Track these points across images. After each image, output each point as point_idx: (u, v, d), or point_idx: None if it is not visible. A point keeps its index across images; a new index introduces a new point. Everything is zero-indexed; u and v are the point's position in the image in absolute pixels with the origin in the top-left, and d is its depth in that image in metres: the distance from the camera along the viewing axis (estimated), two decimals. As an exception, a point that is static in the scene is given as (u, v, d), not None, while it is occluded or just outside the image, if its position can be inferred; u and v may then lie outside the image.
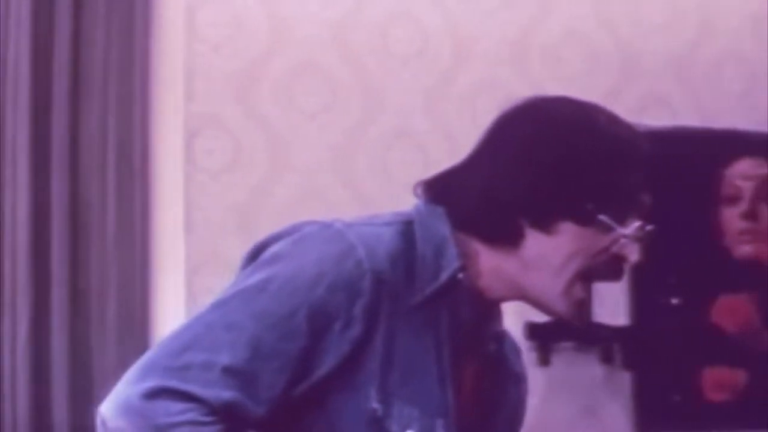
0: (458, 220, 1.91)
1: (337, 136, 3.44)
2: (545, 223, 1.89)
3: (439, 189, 1.93)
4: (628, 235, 1.88)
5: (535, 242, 1.90)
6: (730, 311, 3.78)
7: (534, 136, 1.91)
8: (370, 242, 1.85)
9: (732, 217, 3.81)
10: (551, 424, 3.48)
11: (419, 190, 1.94)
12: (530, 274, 1.91)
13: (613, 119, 1.95)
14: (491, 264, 1.92)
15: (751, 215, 3.83)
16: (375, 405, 1.84)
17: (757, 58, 3.91)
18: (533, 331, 3.45)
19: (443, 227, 1.92)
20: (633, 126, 1.95)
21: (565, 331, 3.48)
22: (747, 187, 3.84)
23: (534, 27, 3.66)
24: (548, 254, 1.90)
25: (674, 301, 3.70)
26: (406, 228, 1.89)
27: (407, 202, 3.37)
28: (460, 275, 1.90)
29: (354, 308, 1.81)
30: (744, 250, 3.83)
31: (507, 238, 1.90)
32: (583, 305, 1.93)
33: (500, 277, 1.92)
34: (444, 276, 1.89)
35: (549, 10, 3.68)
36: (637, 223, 1.89)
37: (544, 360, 3.48)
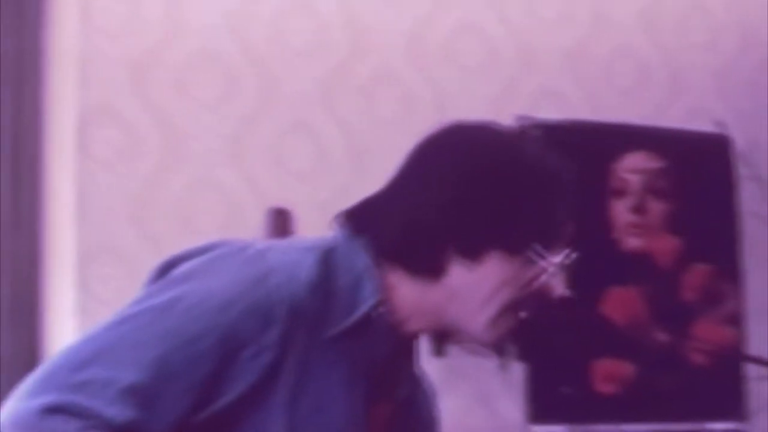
0: (381, 250, 1.83)
1: (232, 126, 3.38)
2: (473, 253, 1.82)
3: (361, 218, 1.84)
4: (556, 265, 1.82)
5: (461, 272, 1.83)
6: (620, 304, 3.75)
7: (460, 165, 1.84)
8: (289, 268, 1.78)
9: (621, 211, 3.79)
10: (445, 413, 3.41)
11: (341, 220, 1.84)
12: (455, 304, 1.84)
13: (537, 147, 1.88)
14: (414, 294, 1.85)
15: (639, 209, 3.81)
16: None
17: (647, 53, 3.91)
18: (427, 322, 3.41)
19: (363, 258, 1.84)
20: (555, 153, 1.88)
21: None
22: (635, 180, 3.81)
23: (431, 20, 3.61)
24: (475, 285, 1.83)
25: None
26: (327, 256, 1.82)
27: (302, 192, 3.33)
28: (378, 311, 1.82)
29: (266, 336, 1.73)
30: (633, 243, 3.81)
31: (432, 268, 1.83)
32: (505, 337, 1.87)
33: (423, 307, 1.85)
34: (360, 311, 1.81)
35: (446, 2, 3.64)
36: (563, 253, 1.83)
37: (439, 351, 3.43)
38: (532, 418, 3.60)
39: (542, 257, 1.81)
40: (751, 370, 3.85)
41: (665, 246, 3.84)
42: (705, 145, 3.91)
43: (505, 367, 3.53)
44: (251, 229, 3.20)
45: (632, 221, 3.80)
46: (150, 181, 3.25)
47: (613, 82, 3.83)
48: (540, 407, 3.61)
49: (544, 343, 3.61)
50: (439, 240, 1.81)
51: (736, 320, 3.90)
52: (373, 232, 1.83)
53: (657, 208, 3.84)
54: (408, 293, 1.84)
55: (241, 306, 1.72)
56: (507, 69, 3.68)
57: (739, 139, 3.92)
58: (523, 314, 1.86)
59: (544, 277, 1.83)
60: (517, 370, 3.57)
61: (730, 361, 3.87)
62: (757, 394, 3.84)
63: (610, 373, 3.71)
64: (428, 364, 3.41)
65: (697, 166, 3.90)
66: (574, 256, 1.85)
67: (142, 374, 1.67)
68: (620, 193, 3.80)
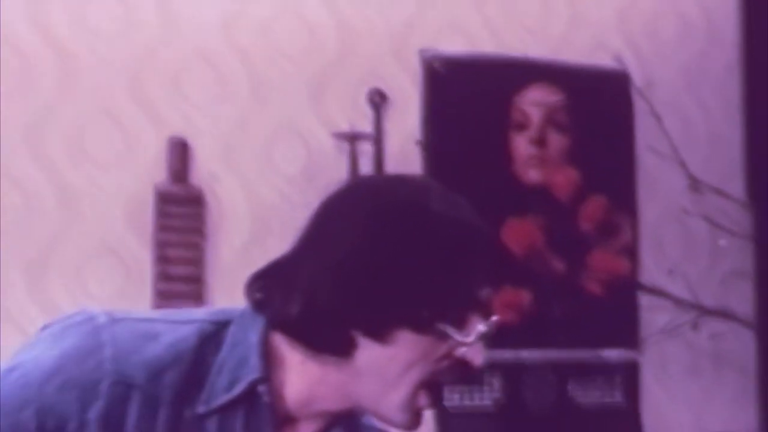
0: (280, 324, 1.68)
1: (131, 56, 3.21)
2: (379, 333, 1.65)
3: (263, 288, 1.68)
4: (469, 342, 1.64)
5: (368, 352, 1.66)
6: (518, 234, 3.72)
7: (360, 234, 1.66)
8: (127, 343, 1.66)
9: (521, 144, 3.76)
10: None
11: (246, 289, 1.69)
12: (364, 384, 1.68)
13: (448, 204, 1.66)
14: (318, 373, 1.69)
15: (539, 142, 3.78)
16: None
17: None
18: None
19: (255, 333, 1.69)
20: (474, 214, 1.67)
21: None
22: (536, 114, 3.78)
23: None
24: (384, 365, 1.66)
25: (464, 223, 3.64)
26: (216, 329, 1.69)
27: (201, 122, 3.27)
28: (258, 389, 1.68)
29: (88, 412, 1.63)
30: (532, 175, 3.78)
31: (337, 348, 1.67)
32: (423, 412, 1.70)
33: (329, 386, 1.70)
34: (239, 388, 1.67)
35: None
36: (478, 327, 1.65)
37: None
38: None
39: (457, 331, 1.64)
40: (644, 299, 3.86)
41: (564, 178, 3.80)
42: (604, 80, 3.86)
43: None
44: (150, 159, 3.15)
45: (532, 154, 3.77)
46: (47, 109, 3.14)
47: (516, 17, 3.78)
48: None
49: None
50: (342, 319, 1.65)
51: (630, 251, 3.89)
52: (272, 305, 1.68)
53: (556, 141, 3.80)
54: (311, 371, 1.69)
55: (60, 380, 1.63)
56: (411, 3, 3.62)
57: (638, 75, 3.89)
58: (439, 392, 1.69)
59: (458, 352, 1.66)
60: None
61: (624, 291, 3.87)
62: (648, 323, 3.85)
63: (508, 301, 3.69)
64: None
65: (596, 100, 3.85)
66: (493, 323, 1.68)
67: None
68: (521, 126, 3.76)
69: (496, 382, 3.63)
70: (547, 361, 3.73)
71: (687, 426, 3.91)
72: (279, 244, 3.32)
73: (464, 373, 1.69)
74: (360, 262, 1.64)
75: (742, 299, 4.02)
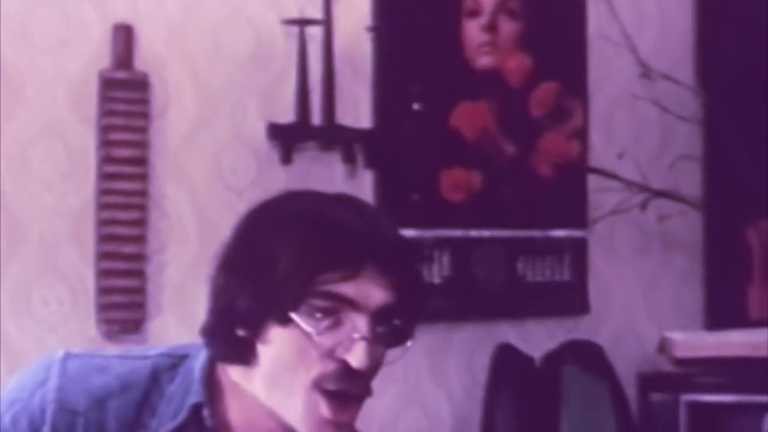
0: (208, 347, 1.71)
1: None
2: (257, 332, 1.65)
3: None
4: (314, 332, 1.62)
5: (262, 357, 1.66)
6: (470, 117, 3.71)
7: (230, 241, 1.69)
8: (75, 374, 1.71)
9: (473, 30, 3.73)
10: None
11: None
12: (271, 394, 1.68)
13: (314, 207, 1.67)
14: (247, 392, 1.69)
15: (491, 28, 3.75)
16: None
17: None
18: (275, 131, 3.35)
19: (201, 360, 1.72)
20: (353, 211, 1.66)
21: (307, 131, 3.41)
22: (488, 0, 3.75)
23: None
24: (273, 367, 1.66)
25: (416, 106, 3.64)
26: (173, 363, 1.73)
27: (146, 8, 3.23)
28: (203, 412, 1.69)
29: None
30: (484, 61, 3.76)
31: (240, 356, 1.67)
32: (333, 426, 1.66)
33: (257, 404, 1.69)
34: (182, 414, 1.70)
35: None
36: (329, 323, 1.62)
37: (286, 159, 3.40)
38: (380, 222, 3.59)
39: (306, 327, 1.62)
40: (594, 181, 3.86)
41: (515, 64, 3.78)
42: (556, -33, 3.84)
43: (353, 174, 3.51)
44: (95, 45, 3.12)
45: (484, 40, 3.74)
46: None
47: None
48: (390, 212, 3.60)
49: (394, 153, 3.60)
50: (226, 322, 1.66)
51: (581, 135, 3.88)
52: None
53: (508, 27, 3.78)
54: (242, 392, 1.70)
55: (13, 412, 1.70)
56: None
57: (589, -38, 3.85)
58: (336, 399, 1.65)
59: (340, 351, 1.63)
60: (366, 178, 3.54)
61: (574, 173, 3.87)
62: (598, 205, 3.85)
63: (458, 181, 3.68)
64: (275, 173, 3.39)
65: (548, -14, 3.84)
66: (368, 328, 1.63)
67: None
68: (473, 12, 3.72)
69: (446, 260, 3.65)
70: (497, 239, 3.74)
71: (633, 304, 3.94)
72: (226, 127, 3.36)
73: (353, 378, 1.64)
74: (222, 264, 1.67)
75: (691, 182, 4.01)
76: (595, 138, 3.90)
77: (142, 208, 3.12)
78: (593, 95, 3.88)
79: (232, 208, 3.22)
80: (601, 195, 3.84)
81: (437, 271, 3.62)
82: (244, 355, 1.67)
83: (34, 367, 1.75)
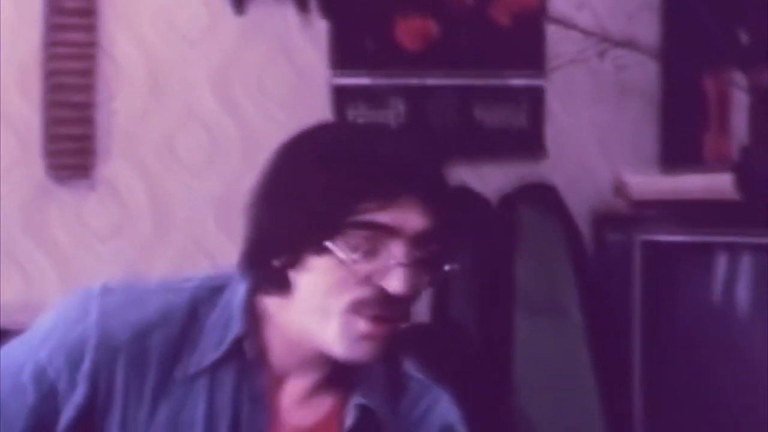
0: (247, 277, 1.65)
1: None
2: (294, 262, 1.59)
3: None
4: (352, 261, 1.56)
5: (299, 286, 1.61)
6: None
7: (267, 172, 1.62)
8: (114, 309, 1.65)
9: None
10: (246, 66, 3.29)
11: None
12: (307, 319, 1.62)
13: (350, 136, 1.62)
14: (285, 320, 1.64)
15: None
16: None
17: None
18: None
19: (241, 291, 1.66)
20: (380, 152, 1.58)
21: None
22: None
23: None
24: (310, 295, 1.61)
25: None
26: (211, 294, 1.66)
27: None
28: (245, 345, 1.64)
29: (77, 374, 1.64)
30: None
31: (278, 286, 1.62)
32: (369, 337, 1.61)
33: (295, 331, 1.64)
34: (224, 346, 1.64)
35: None
36: (366, 252, 1.56)
37: (240, 9, 3.27)
38: (337, 66, 3.45)
39: (342, 251, 1.56)
40: (552, 30, 3.70)
41: None
42: None
43: (308, 24, 3.38)
44: None
45: None
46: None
47: None
48: (343, 59, 3.47)
49: (347, 1, 3.46)
50: (265, 253, 1.60)
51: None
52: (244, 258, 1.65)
53: None
54: (281, 320, 1.64)
55: (51, 344, 1.65)
56: None
57: None
58: (371, 319, 1.59)
59: (376, 278, 1.57)
60: (320, 26, 3.40)
61: (533, 22, 3.74)
62: (555, 53, 3.72)
63: (415, 30, 3.55)
64: (227, 23, 3.26)
65: None
66: (405, 255, 1.57)
67: None
68: None
69: (401, 105, 3.52)
70: (454, 87, 3.62)
71: (589, 149, 3.83)
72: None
73: (392, 304, 1.60)
74: (260, 195, 1.61)
75: (649, 32, 3.88)
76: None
77: (90, 57, 3.02)
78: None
79: (183, 58, 3.11)
80: (559, 44, 3.70)
81: (392, 118, 3.49)
82: (282, 284, 1.62)
83: (70, 302, 1.69)
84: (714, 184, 3.39)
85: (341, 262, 1.57)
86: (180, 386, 1.65)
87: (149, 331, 1.65)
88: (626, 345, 3.19)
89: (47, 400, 1.66)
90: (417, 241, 1.60)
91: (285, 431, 1.71)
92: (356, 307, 1.59)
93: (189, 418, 1.66)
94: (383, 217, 1.57)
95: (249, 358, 1.65)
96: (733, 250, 3.16)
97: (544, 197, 3.47)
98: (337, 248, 1.57)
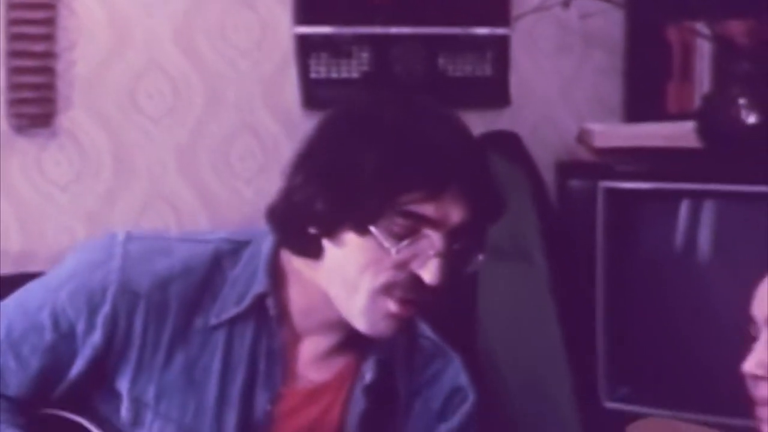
0: (276, 236, 1.66)
1: None
2: (331, 234, 1.60)
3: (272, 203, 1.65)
4: (392, 249, 1.55)
5: (331, 254, 1.61)
6: None
7: (316, 141, 1.62)
8: (137, 257, 1.65)
9: None
10: (208, 15, 3.20)
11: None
12: (334, 287, 1.63)
13: (402, 117, 1.58)
14: (310, 281, 1.65)
15: None
16: (124, 413, 1.69)
17: None
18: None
19: (266, 248, 1.66)
20: (432, 134, 1.56)
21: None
22: None
23: None
24: (342, 267, 1.61)
25: None
26: (235, 248, 1.67)
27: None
28: (267, 302, 1.65)
29: (96, 316, 1.66)
30: None
31: (308, 250, 1.62)
32: (394, 317, 1.61)
33: (319, 293, 1.65)
34: (246, 302, 1.65)
35: None
36: (407, 242, 1.56)
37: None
38: (298, 17, 3.36)
39: (384, 242, 1.55)
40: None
41: None
42: None
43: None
44: None
45: None
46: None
47: None
48: (306, 8, 3.37)
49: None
50: (302, 220, 1.60)
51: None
52: (270, 218, 1.66)
53: None
54: (306, 280, 1.65)
55: (72, 286, 1.66)
56: None
57: None
58: (400, 301, 1.60)
59: (414, 265, 1.57)
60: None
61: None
62: (519, 2, 3.65)
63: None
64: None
65: None
66: (444, 246, 1.56)
67: None
68: None
69: (365, 55, 3.46)
70: (418, 36, 3.55)
71: (554, 97, 3.77)
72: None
73: (422, 290, 1.59)
74: (308, 166, 1.60)
75: (614, -20, 3.82)
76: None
77: (51, 7, 2.95)
78: None
79: (145, 7, 3.04)
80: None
81: (355, 67, 3.42)
82: (313, 250, 1.62)
83: (94, 245, 1.70)
84: (676, 132, 3.35)
85: (380, 245, 1.57)
86: (199, 335, 1.66)
87: (171, 281, 1.65)
88: (589, 290, 3.15)
89: (65, 340, 1.68)
90: (456, 232, 1.59)
91: (300, 386, 1.71)
92: (387, 289, 1.59)
93: (205, 367, 1.66)
94: (428, 209, 1.56)
95: (270, 315, 1.65)
96: (694, 197, 3.12)
97: (508, 145, 3.42)
98: (379, 233, 1.56)
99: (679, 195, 3.17)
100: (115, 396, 1.71)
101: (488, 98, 3.63)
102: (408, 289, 1.60)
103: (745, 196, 3.02)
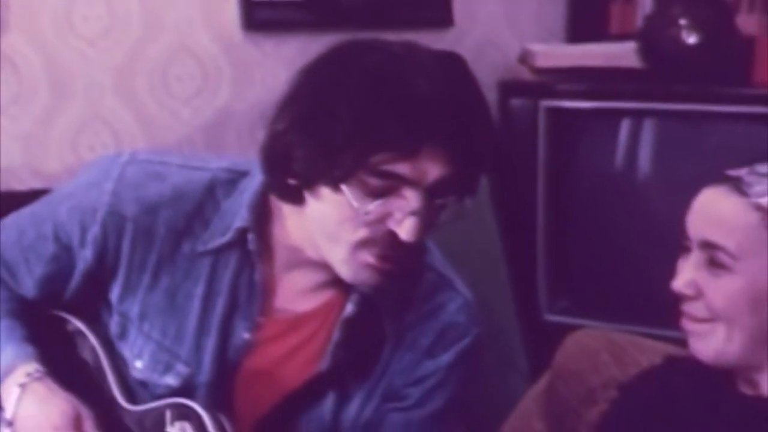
0: (263, 178, 1.65)
1: None
2: (308, 187, 1.56)
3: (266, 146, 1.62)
4: (369, 212, 1.49)
5: (312, 206, 1.58)
6: None
7: (300, 85, 1.56)
8: (132, 180, 1.65)
9: None
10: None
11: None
12: (317, 235, 1.59)
13: (389, 71, 1.48)
14: (297, 222, 1.62)
15: None
16: (113, 325, 1.73)
17: None
18: None
19: (256, 183, 1.65)
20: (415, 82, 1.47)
21: None
22: None
23: None
24: (322, 219, 1.57)
25: None
26: (232, 177, 1.63)
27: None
28: (248, 236, 1.63)
29: (87, 235, 1.68)
30: None
31: (290, 198, 1.59)
32: (375, 268, 1.55)
33: (306, 234, 1.61)
34: (229, 234, 1.63)
35: None
36: (381, 201, 1.49)
37: None
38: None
39: (353, 194, 1.49)
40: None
41: None
42: None
43: None
44: None
45: None
46: None
47: None
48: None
49: None
50: (282, 171, 1.57)
51: None
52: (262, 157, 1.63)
53: None
54: (292, 220, 1.61)
55: (70, 204, 1.69)
56: None
57: None
58: (378, 256, 1.53)
59: (390, 222, 1.51)
60: None
61: None
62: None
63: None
64: None
65: None
66: (420, 204, 1.48)
67: (8, 242, 1.74)
68: None
69: None
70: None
71: (496, 18, 3.64)
72: None
73: (398, 246, 1.52)
74: (288, 107, 1.54)
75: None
76: None
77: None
78: None
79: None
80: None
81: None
82: (294, 198, 1.59)
83: (96, 164, 1.71)
84: (617, 52, 3.26)
85: (352, 206, 1.51)
86: (186, 261, 1.65)
87: (160, 206, 1.64)
88: (531, 207, 3.08)
89: (64, 253, 1.71)
90: (436, 188, 1.52)
91: (281, 316, 1.69)
92: (364, 244, 1.55)
93: (188, 292, 1.66)
94: (404, 168, 1.49)
95: (251, 249, 1.63)
96: (635, 116, 3.05)
97: (449, 64, 3.28)
98: (351, 193, 1.49)
99: (620, 114, 3.09)
100: (111, 307, 1.73)
101: (432, 19, 3.49)
102: (385, 246, 1.55)
103: (684, 115, 2.95)
